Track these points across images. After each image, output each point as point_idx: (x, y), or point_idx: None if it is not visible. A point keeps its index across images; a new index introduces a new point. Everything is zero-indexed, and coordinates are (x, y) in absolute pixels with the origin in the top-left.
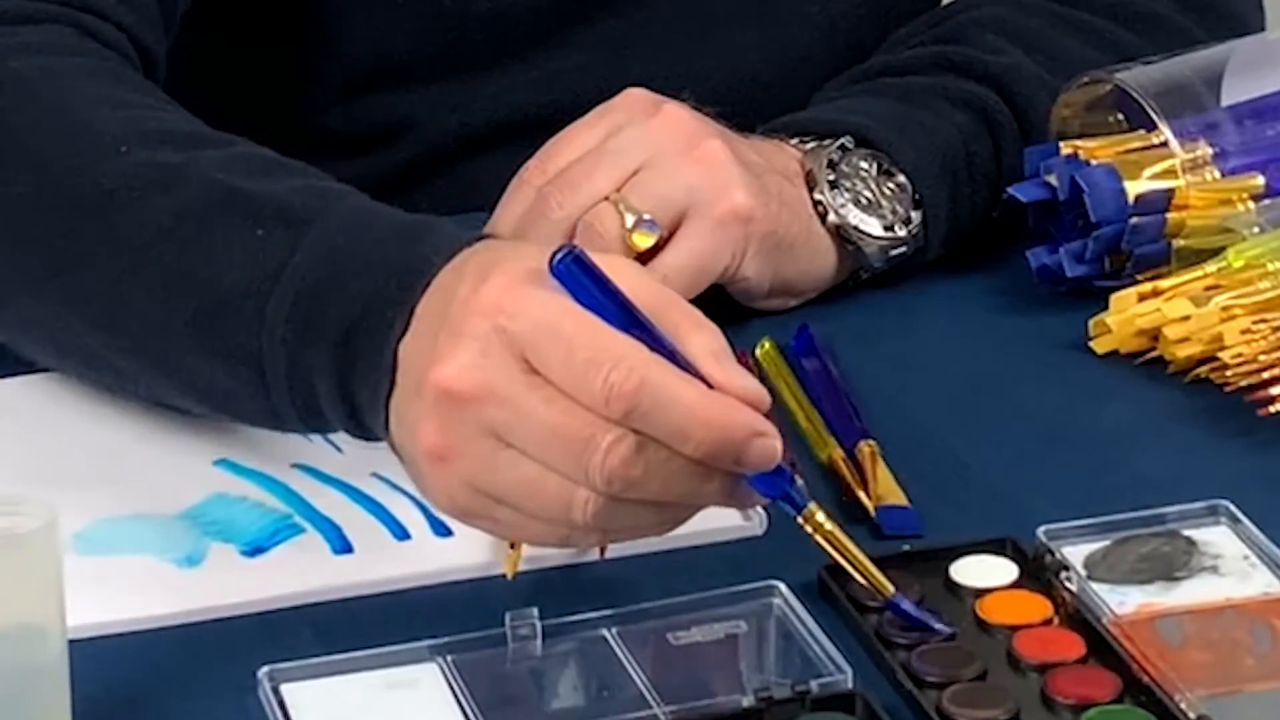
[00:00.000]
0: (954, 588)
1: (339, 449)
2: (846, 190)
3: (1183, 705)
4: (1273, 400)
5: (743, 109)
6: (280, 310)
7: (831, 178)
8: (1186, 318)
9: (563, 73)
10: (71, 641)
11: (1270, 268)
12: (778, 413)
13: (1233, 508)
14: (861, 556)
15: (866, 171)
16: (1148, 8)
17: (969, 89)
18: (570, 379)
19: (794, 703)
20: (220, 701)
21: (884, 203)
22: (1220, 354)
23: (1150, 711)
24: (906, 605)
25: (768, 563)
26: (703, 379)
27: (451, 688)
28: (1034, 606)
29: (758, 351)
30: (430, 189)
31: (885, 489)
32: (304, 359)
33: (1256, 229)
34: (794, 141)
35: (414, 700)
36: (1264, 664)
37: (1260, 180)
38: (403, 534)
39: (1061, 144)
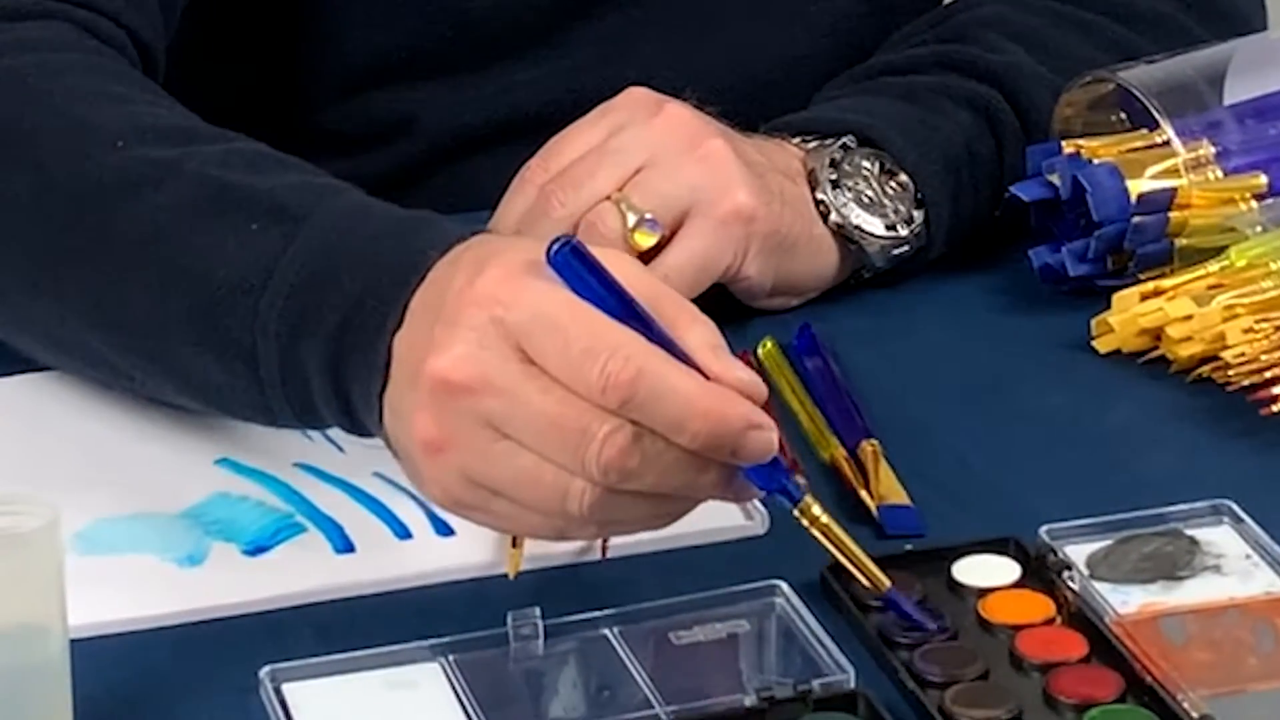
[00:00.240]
0: (956, 587)
1: (341, 448)
2: (848, 189)
3: (1185, 705)
4: (1275, 400)
5: (745, 108)
6: (274, 305)
7: (834, 177)
8: (1189, 317)
9: (564, 71)
10: (73, 641)
11: (1273, 267)
12: (779, 412)
13: (1235, 507)
14: (858, 551)
15: (868, 171)
16: (1150, 7)
17: (971, 88)
18: (567, 369)
19: (796, 702)
20: (222, 701)
21: (886, 202)
22: (1223, 353)
23: (1153, 711)
24: (902, 600)
25: (770, 562)
26: (699, 371)
27: (453, 687)
28: (1036, 606)
29: (760, 351)
30: (430, 187)
31: (887, 488)
32: (297, 354)
33: (1259, 228)
34: (796, 141)
35: (415, 700)
36: (1266, 663)
37: (1263, 179)
38: (404, 533)
39: (1064, 143)
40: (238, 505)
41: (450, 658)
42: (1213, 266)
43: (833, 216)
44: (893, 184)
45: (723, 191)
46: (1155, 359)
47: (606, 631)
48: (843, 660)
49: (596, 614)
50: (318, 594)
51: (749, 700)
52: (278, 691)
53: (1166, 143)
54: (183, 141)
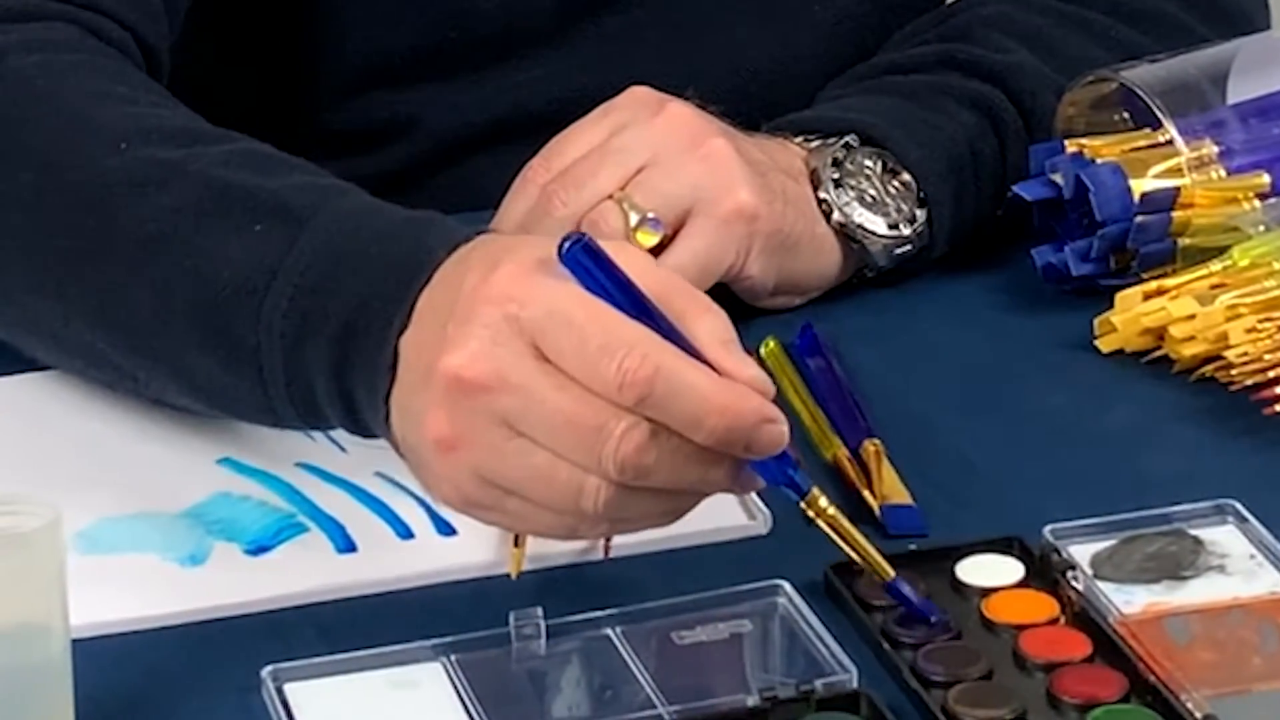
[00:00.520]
0: (960, 587)
1: (343, 448)
2: (851, 189)
3: (1189, 705)
4: (1278, 399)
5: (747, 107)
6: (278, 307)
7: (836, 176)
8: (1192, 316)
9: (566, 71)
10: (74, 641)
11: (1276, 266)
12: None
13: (1240, 507)
14: (864, 541)
15: (871, 170)
16: (1153, 6)
17: (974, 87)
18: (582, 366)
19: (799, 702)
20: (223, 701)
21: (889, 201)
22: (1226, 353)
23: (1156, 711)
24: (907, 590)
25: (772, 562)
26: (709, 365)
27: (455, 687)
28: (1040, 606)
29: (762, 350)
30: (433, 187)
31: (890, 488)
32: (301, 355)
33: (1262, 227)
34: (798, 140)
35: (417, 700)
36: (1270, 663)
37: (1266, 179)
38: (407, 533)
39: (1067, 142)
40: (240, 505)
41: (452, 657)
42: (1216, 266)
43: (835, 216)
44: (895, 183)
45: (725, 190)
46: (1158, 358)
47: (609, 631)
48: (845, 660)
49: (599, 614)
50: (320, 594)
51: (752, 700)
52: (280, 691)
53: (1169, 142)
54: (187, 142)
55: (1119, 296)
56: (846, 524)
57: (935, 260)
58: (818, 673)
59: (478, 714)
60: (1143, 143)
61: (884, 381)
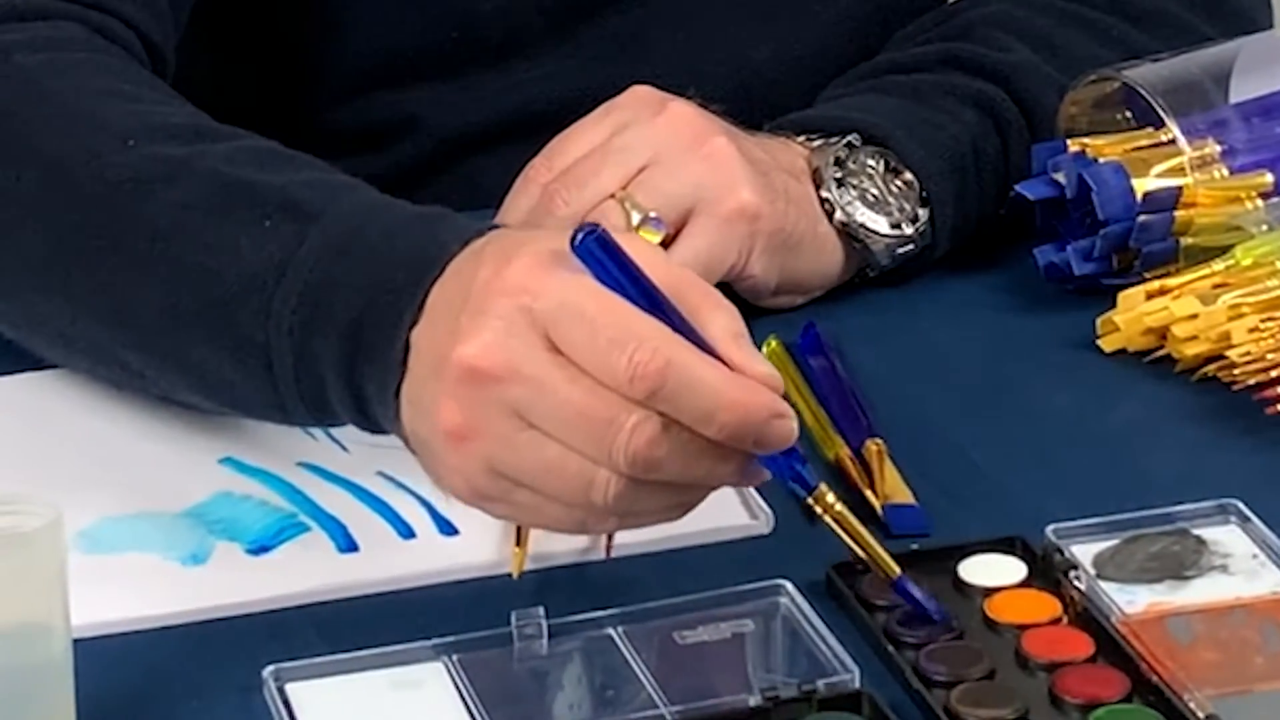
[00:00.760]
0: (962, 587)
1: (344, 448)
2: (853, 188)
3: (1191, 705)
4: None
5: (749, 106)
6: (287, 302)
7: (838, 175)
8: (1194, 316)
9: (569, 71)
10: (76, 640)
11: (1278, 266)
12: None
13: (1242, 506)
14: (870, 538)
15: (873, 169)
16: (1155, 5)
17: (976, 86)
18: (594, 359)
19: (801, 702)
20: (225, 701)
21: (891, 200)
22: (1228, 352)
23: (1159, 711)
24: (912, 587)
25: (774, 562)
26: (720, 360)
27: (457, 687)
28: (1042, 605)
29: (764, 350)
30: (436, 186)
31: (893, 488)
32: (311, 351)
33: (1265, 227)
34: (800, 139)
35: (419, 700)
36: (1273, 663)
37: (1269, 178)
38: (408, 533)
39: (1069, 141)
40: (241, 504)
41: (454, 657)
42: (1218, 265)
43: (837, 215)
44: (898, 182)
45: (727, 190)
46: (1160, 358)
47: (611, 631)
48: (848, 660)
49: (601, 613)
50: (321, 593)
51: (753, 700)
52: (281, 691)
53: (1172, 141)
54: (193, 139)
55: (1121, 296)
56: (853, 520)
57: (938, 260)
58: (820, 672)
59: (479, 714)
60: (1145, 142)
61: (886, 381)
